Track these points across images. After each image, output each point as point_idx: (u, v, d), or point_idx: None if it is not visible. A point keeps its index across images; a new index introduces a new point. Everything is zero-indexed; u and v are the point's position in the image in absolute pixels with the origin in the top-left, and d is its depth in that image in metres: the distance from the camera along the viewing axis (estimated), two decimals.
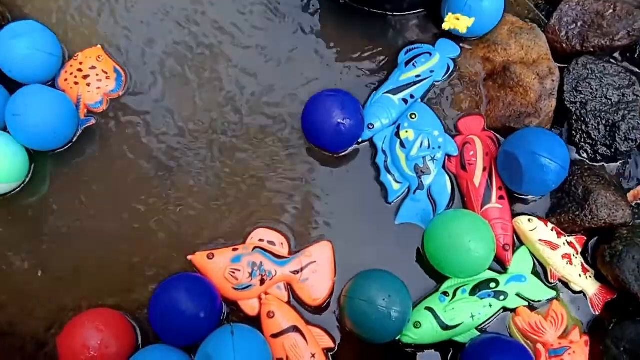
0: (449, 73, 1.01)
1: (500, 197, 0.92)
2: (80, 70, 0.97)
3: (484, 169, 0.94)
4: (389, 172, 0.94)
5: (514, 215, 0.93)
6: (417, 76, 0.99)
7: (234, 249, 0.88)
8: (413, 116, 0.95)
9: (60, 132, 0.91)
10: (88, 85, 0.96)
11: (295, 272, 0.87)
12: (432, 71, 1.00)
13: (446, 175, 0.94)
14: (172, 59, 1.02)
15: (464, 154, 0.95)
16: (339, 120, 0.87)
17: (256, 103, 1.00)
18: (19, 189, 0.93)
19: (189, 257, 0.87)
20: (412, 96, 0.98)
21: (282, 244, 0.90)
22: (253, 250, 0.88)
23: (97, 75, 0.97)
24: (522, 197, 0.95)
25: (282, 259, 0.88)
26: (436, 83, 1.01)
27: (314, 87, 0.99)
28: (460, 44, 1.04)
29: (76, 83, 0.96)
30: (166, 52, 1.02)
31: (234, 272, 0.85)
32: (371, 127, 0.95)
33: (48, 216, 0.92)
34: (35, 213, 0.92)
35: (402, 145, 0.93)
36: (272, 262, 0.87)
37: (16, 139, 0.89)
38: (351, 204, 0.94)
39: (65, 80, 0.97)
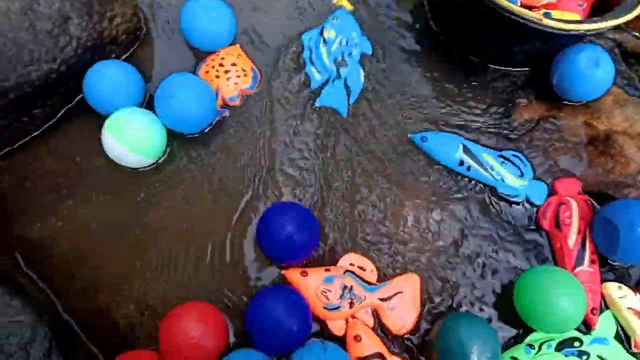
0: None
1: (592, 262, 0.93)
2: (221, 65, 1.05)
3: (579, 232, 0.95)
4: (312, 64, 1.09)
5: (603, 280, 0.93)
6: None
7: (327, 270, 0.91)
8: (334, 20, 1.11)
9: (203, 118, 0.99)
10: (228, 79, 1.04)
11: (383, 300, 0.89)
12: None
13: (361, 69, 1.09)
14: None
15: (559, 214, 0.97)
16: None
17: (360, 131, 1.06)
18: (151, 166, 1.00)
19: (283, 272, 0.91)
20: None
21: (372, 270, 0.93)
22: (344, 273, 0.91)
23: (237, 72, 1.05)
24: (614, 263, 0.95)
25: (372, 285, 0.91)
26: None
27: (410, 126, 1.06)
28: (564, 107, 1.07)
29: (217, 76, 1.04)
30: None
31: (325, 292, 0.88)
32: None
33: (162, 201, 0.98)
34: (155, 196, 0.98)
35: (325, 42, 1.08)
36: (362, 287, 0.90)
37: (161, 119, 0.96)
38: (444, 241, 0.97)
39: (207, 72, 1.05)
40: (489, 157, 1.00)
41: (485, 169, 0.99)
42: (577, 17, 1.04)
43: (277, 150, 1.03)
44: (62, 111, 0.99)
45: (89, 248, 0.93)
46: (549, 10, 1.04)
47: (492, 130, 1.06)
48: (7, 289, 0.71)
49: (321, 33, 1.10)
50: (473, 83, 1.11)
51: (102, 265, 0.92)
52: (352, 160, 1.03)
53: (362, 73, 1.09)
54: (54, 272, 0.90)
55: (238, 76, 1.06)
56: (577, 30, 0.90)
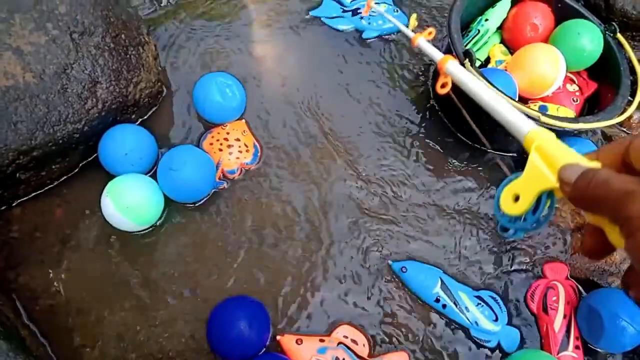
0: None
1: (577, 347, 0.97)
2: (226, 139, 1.10)
3: (565, 317, 0.99)
4: None
5: None
6: None
7: (321, 340, 0.93)
8: (396, 12, 1.36)
9: (201, 190, 1.02)
10: (230, 154, 1.09)
11: None
12: None
13: (361, 22, 1.32)
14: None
15: (546, 298, 1.01)
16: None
17: (358, 210, 1.10)
18: (147, 229, 1.02)
19: (278, 337, 0.93)
20: None
21: (364, 345, 0.96)
22: (337, 345, 0.93)
23: (240, 147, 1.10)
24: (596, 349, 0.99)
25: None
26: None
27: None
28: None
29: (220, 149, 1.09)
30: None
31: None
32: None
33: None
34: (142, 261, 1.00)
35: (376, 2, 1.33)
36: None
37: (162, 189, 0.99)
38: (433, 330, 1.00)
39: (211, 144, 1.10)
40: (465, 297, 1.00)
41: (461, 310, 0.99)
42: (572, 113, 1.11)
43: (267, 227, 1.06)
44: (79, 167, 1.03)
45: (91, 303, 0.95)
46: (545, 104, 1.12)
47: (485, 210, 1.12)
48: (12, 347, 0.73)
49: None
50: (467, 164, 1.18)
51: (101, 322, 0.94)
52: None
53: (362, 23, 1.33)
54: (54, 326, 0.91)
55: (240, 151, 1.10)
56: (572, 129, 0.97)
